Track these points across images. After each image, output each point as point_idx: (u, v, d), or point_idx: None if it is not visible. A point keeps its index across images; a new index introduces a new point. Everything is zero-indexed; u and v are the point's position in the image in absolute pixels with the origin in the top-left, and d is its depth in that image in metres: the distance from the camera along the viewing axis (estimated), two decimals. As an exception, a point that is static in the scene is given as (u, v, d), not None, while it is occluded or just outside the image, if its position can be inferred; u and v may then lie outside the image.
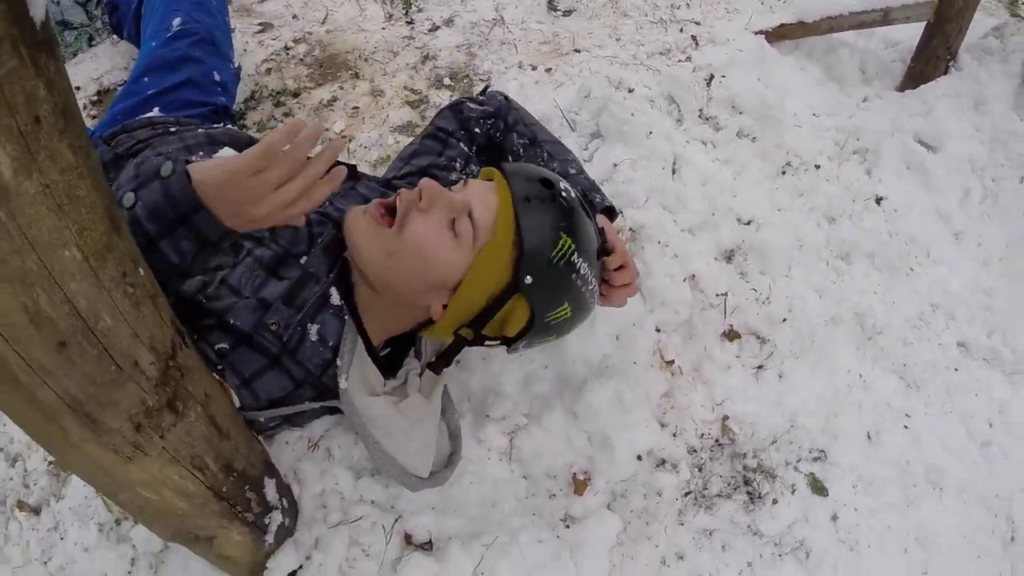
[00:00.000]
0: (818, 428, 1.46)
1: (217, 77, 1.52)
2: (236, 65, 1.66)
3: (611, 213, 1.25)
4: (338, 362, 0.98)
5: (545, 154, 1.29)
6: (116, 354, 0.54)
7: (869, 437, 1.56)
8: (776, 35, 2.11)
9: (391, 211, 1.00)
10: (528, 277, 0.97)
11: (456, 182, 1.10)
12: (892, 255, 1.75)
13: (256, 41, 1.95)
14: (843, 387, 1.58)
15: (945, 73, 2.17)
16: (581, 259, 1.00)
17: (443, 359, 1.09)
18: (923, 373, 1.70)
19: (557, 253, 0.97)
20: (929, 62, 2.15)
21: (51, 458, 1.30)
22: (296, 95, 1.76)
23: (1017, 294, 1.93)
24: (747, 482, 1.31)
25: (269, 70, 1.83)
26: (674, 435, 1.27)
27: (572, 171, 1.26)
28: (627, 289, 1.12)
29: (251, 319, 0.94)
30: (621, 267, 1.11)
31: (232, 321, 0.94)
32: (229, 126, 1.43)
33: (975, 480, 1.64)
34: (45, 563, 1.21)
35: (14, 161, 0.40)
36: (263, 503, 0.89)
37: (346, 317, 1.01)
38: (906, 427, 1.62)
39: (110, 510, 1.14)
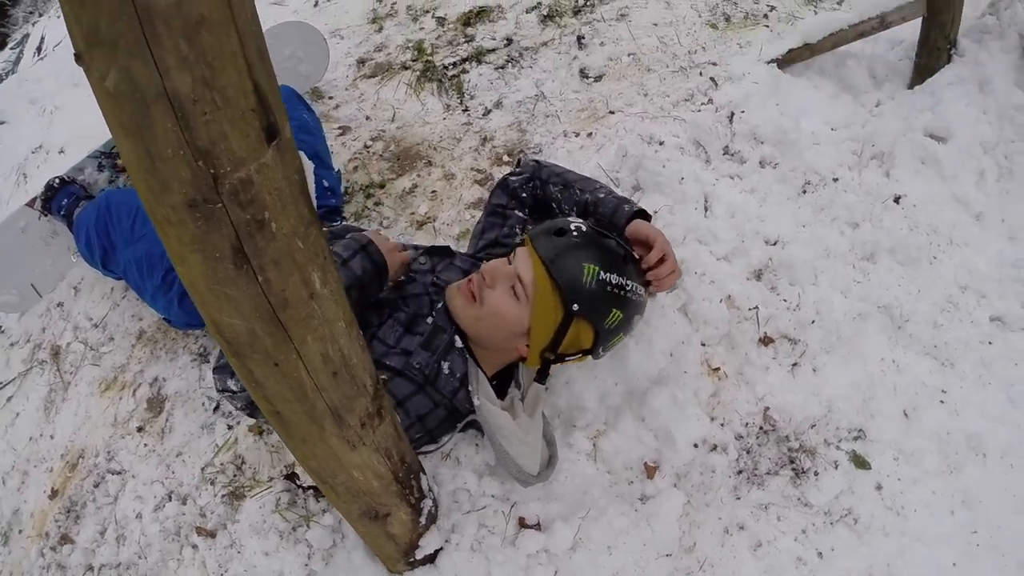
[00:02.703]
0: (854, 410, 1.79)
1: (326, 183, 2.01)
2: (337, 170, 2.18)
3: (644, 215, 1.63)
4: (471, 387, 1.44)
5: (577, 191, 1.70)
6: (357, 379, 0.99)
7: (906, 415, 1.85)
8: (787, 60, 2.45)
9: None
10: (575, 305, 1.39)
11: (518, 245, 1.59)
12: (912, 248, 2.03)
13: (339, 143, 2.48)
14: (877, 373, 1.88)
15: (948, 62, 2.42)
16: (607, 273, 1.40)
17: (540, 376, 1.53)
18: (955, 351, 1.96)
19: (586, 279, 1.39)
20: (932, 55, 2.43)
21: (224, 492, 1.82)
22: (382, 186, 2.27)
23: (1049, 261, 2.20)
24: (792, 460, 1.71)
25: (355, 167, 2.34)
26: (722, 425, 1.66)
27: (601, 195, 1.66)
28: (670, 277, 1.53)
29: (400, 361, 1.42)
30: (662, 259, 1.52)
31: (387, 363, 1.41)
32: (344, 223, 1.99)
33: (1022, 444, 1.86)
34: (222, 575, 1.72)
35: (320, 280, 0.84)
36: (420, 490, 1.32)
37: (467, 357, 1.48)
38: (942, 402, 1.88)
39: (286, 520, 1.65)
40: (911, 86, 2.52)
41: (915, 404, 1.89)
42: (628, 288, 1.45)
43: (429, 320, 1.52)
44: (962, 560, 1.72)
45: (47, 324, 2.33)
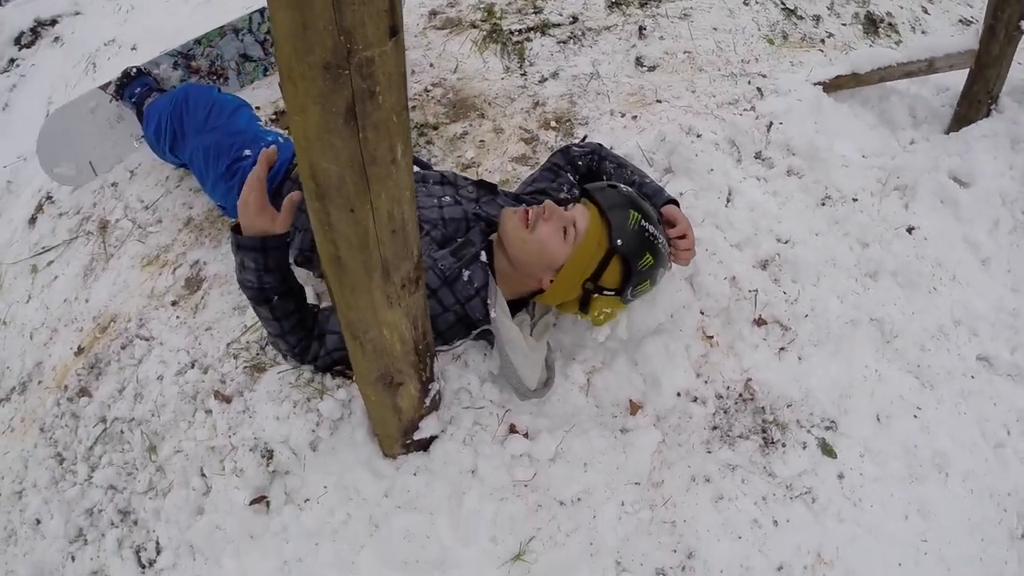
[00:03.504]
0: (830, 402, 2.04)
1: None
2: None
3: (675, 203, 2.01)
4: (489, 300, 1.73)
5: (628, 171, 2.08)
6: (409, 243, 1.27)
7: (879, 419, 2.09)
8: (833, 85, 2.73)
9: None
10: (619, 241, 1.72)
11: (565, 201, 1.91)
12: (914, 274, 2.29)
13: (401, 84, 2.81)
14: (858, 377, 2.12)
15: (987, 116, 2.71)
16: (647, 223, 1.76)
17: (582, 307, 1.82)
18: (937, 376, 2.20)
19: (631, 221, 1.74)
20: (972, 106, 2.72)
21: (246, 365, 2.09)
22: (435, 128, 2.58)
23: (1046, 317, 2.47)
24: (764, 430, 1.97)
25: (414, 107, 2.66)
26: (706, 382, 1.94)
27: (647, 180, 2.07)
28: (686, 252, 1.90)
29: (427, 263, 1.71)
30: (683, 236, 1.89)
31: None
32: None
33: (985, 474, 2.11)
34: (230, 437, 1.96)
35: (401, 151, 1.13)
36: (431, 373, 1.60)
37: (489, 272, 1.78)
38: (915, 416, 2.12)
39: (303, 392, 1.91)
40: (948, 132, 2.78)
41: (889, 412, 2.13)
42: (660, 240, 1.80)
43: (460, 240, 1.82)
44: (908, 563, 1.95)
45: (99, 200, 2.64)
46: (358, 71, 0.99)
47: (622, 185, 1.86)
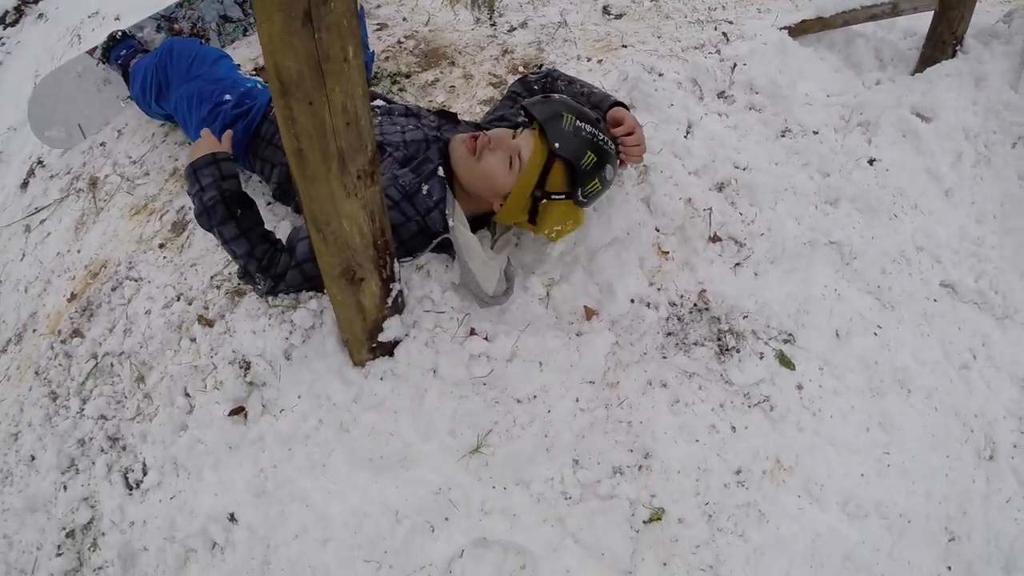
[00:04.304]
0: (787, 315, 2.19)
1: (362, 58, 2.64)
2: (371, 51, 2.74)
3: (623, 106, 2.18)
4: (447, 211, 1.93)
5: (578, 85, 2.28)
6: (363, 136, 1.46)
7: (837, 335, 2.24)
8: (798, 30, 2.91)
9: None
10: (556, 144, 1.89)
11: (520, 125, 2.11)
12: (874, 199, 2.44)
13: (376, 36, 3.02)
14: (817, 295, 2.27)
15: (952, 57, 2.87)
16: (583, 123, 1.93)
17: (531, 217, 2.01)
18: (899, 297, 2.34)
19: (565, 123, 1.91)
20: (937, 47, 2.87)
21: (227, 292, 2.28)
22: (407, 76, 2.81)
23: (1009, 247, 2.57)
24: (719, 338, 2.16)
25: (387, 58, 2.90)
26: (659, 290, 2.11)
27: (595, 90, 2.26)
28: (637, 148, 2.08)
29: (388, 181, 1.92)
30: (630, 133, 2.06)
31: None
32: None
33: (949, 394, 2.25)
34: (212, 357, 2.17)
35: (352, 52, 1.34)
36: (392, 272, 1.79)
37: (447, 186, 1.97)
38: (875, 334, 2.27)
39: (277, 306, 2.14)
40: (913, 74, 2.96)
41: (848, 329, 2.27)
42: (600, 138, 1.96)
43: (420, 158, 2.03)
44: (870, 474, 2.09)
45: (88, 160, 2.88)
46: (312, -21, 1.21)
47: (556, 95, 2.05)
